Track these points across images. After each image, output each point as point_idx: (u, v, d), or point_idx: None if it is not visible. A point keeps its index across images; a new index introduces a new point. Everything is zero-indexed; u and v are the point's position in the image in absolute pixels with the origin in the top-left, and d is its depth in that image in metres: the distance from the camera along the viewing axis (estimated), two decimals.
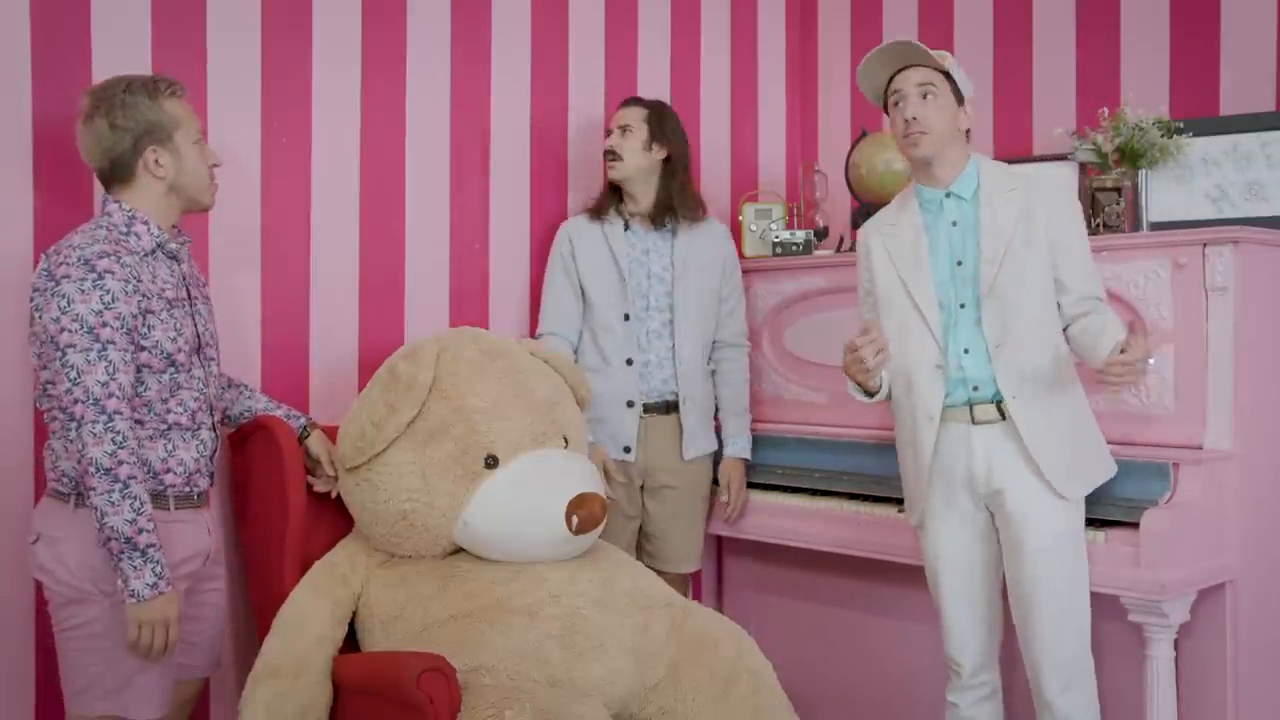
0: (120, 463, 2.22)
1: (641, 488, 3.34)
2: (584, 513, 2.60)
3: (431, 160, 3.34)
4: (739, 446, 3.41)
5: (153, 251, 2.39)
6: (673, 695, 2.64)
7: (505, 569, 2.64)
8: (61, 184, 2.68)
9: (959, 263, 2.60)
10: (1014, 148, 3.62)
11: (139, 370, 2.33)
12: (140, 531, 2.22)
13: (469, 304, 3.41)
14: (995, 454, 2.55)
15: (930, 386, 2.60)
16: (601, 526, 2.67)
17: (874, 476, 3.20)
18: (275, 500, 2.72)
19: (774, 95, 4.23)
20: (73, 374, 2.22)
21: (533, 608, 2.55)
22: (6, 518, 2.62)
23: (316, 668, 2.54)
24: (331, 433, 2.84)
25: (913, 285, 2.62)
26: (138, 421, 2.33)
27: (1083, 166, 3.19)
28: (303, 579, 2.66)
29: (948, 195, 2.63)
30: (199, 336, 2.47)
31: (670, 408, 3.32)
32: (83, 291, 2.23)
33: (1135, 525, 2.58)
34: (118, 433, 2.23)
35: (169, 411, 2.39)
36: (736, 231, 3.93)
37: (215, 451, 2.52)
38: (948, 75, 2.61)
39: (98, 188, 2.45)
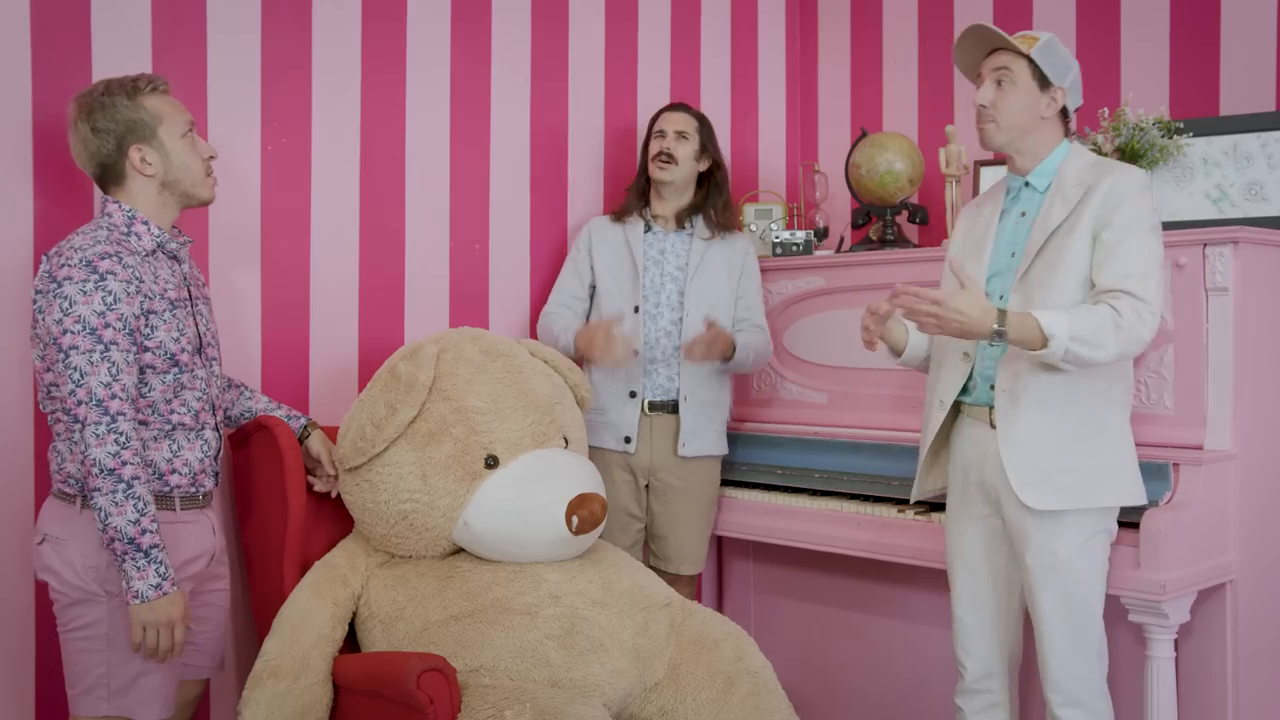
0: (124, 463, 2.22)
1: (646, 487, 3.35)
2: (584, 513, 2.60)
3: (431, 160, 3.34)
4: (741, 341, 3.32)
5: (154, 251, 2.39)
6: (673, 695, 2.64)
7: (505, 569, 2.64)
8: (61, 185, 2.68)
9: (1012, 254, 2.55)
10: None
11: (143, 371, 2.33)
12: (144, 532, 2.22)
13: (469, 304, 3.42)
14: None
15: (952, 374, 2.58)
16: (602, 527, 2.67)
17: (874, 476, 3.20)
18: (275, 501, 2.72)
19: (774, 95, 4.23)
20: (76, 375, 2.22)
21: (533, 608, 2.55)
22: (8, 519, 2.62)
23: (317, 668, 2.54)
24: (332, 433, 2.84)
25: (968, 268, 2.56)
26: (142, 422, 2.33)
27: None
28: (303, 579, 2.66)
29: (1025, 184, 2.57)
30: (200, 337, 2.47)
31: (674, 407, 3.33)
32: (85, 293, 2.23)
33: (1135, 525, 2.57)
34: (121, 433, 2.23)
35: (173, 412, 2.39)
36: None
37: (219, 451, 2.51)
38: (1032, 60, 2.49)
39: (97, 189, 2.45)
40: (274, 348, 3.04)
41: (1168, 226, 3.05)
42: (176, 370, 2.38)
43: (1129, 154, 3.03)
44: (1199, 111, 3.26)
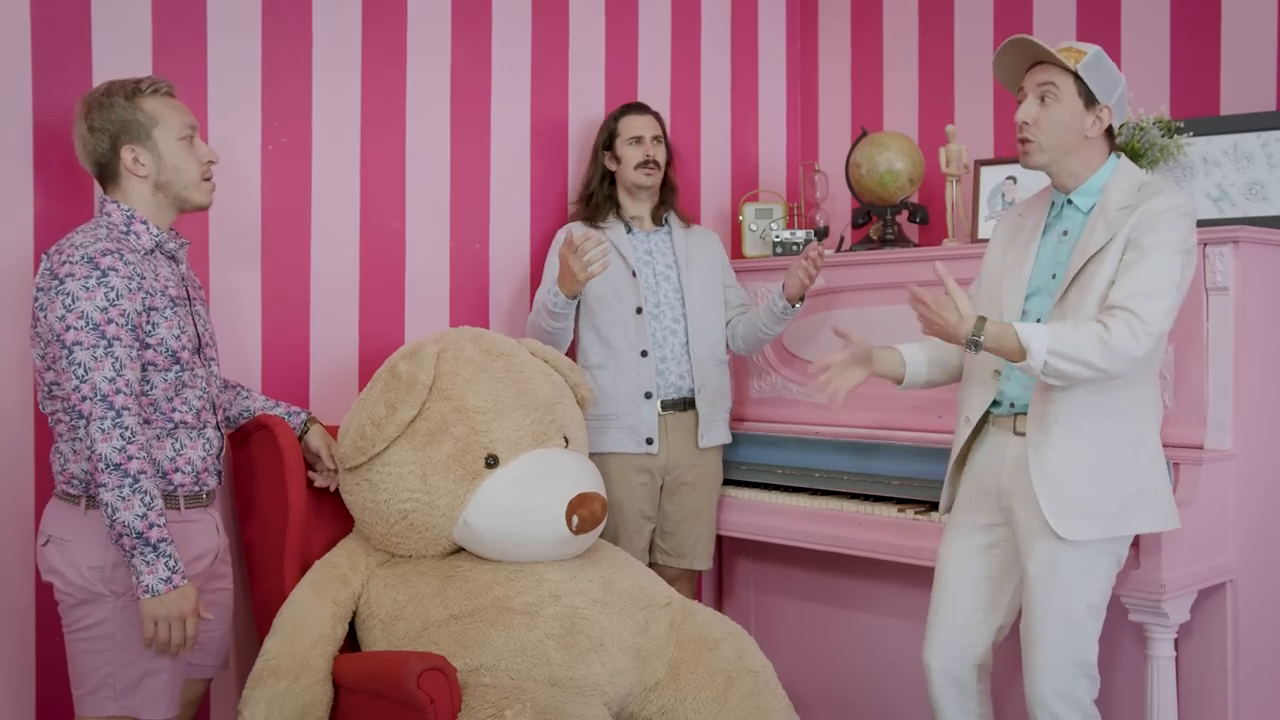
0: (130, 458, 2.22)
1: (661, 487, 3.35)
2: (584, 512, 2.60)
3: (431, 160, 3.34)
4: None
5: (152, 251, 2.39)
6: (673, 695, 2.64)
7: (505, 568, 2.64)
8: (61, 184, 2.68)
9: (1053, 276, 2.46)
10: (1015, 148, 3.61)
11: (144, 368, 2.33)
12: (152, 526, 2.22)
13: (469, 304, 3.42)
14: (1025, 472, 2.43)
15: (982, 391, 2.53)
16: (602, 526, 2.67)
17: (874, 476, 3.20)
18: (276, 500, 2.72)
19: (774, 95, 4.23)
20: (80, 371, 2.22)
21: (533, 607, 2.55)
22: (9, 520, 2.62)
23: (317, 667, 2.54)
24: (332, 432, 2.84)
25: (1007, 284, 2.51)
26: (145, 421, 2.33)
27: None
28: (303, 578, 2.66)
29: (1068, 202, 2.48)
30: (199, 336, 2.47)
31: (688, 404, 3.34)
32: (87, 289, 2.24)
33: None
34: (126, 428, 2.23)
35: (175, 410, 2.39)
36: (736, 231, 3.94)
37: (221, 451, 2.52)
38: (1078, 76, 2.39)
39: (97, 188, 2.46)
40: (274, 348, 3.04)
41: None
42: (178, 368, 2.38)
43: (1129, 154, 3.03)
44: (1199, 111, 3.26)
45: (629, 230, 3.39)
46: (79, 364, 2.22)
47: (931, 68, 3.91)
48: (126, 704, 2.31)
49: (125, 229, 2.37)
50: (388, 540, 2.71)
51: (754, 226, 3.82)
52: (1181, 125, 3.04)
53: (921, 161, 3.56)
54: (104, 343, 2.23)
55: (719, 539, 3.51)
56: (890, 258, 3.34)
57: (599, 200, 3.40)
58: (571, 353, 3.35)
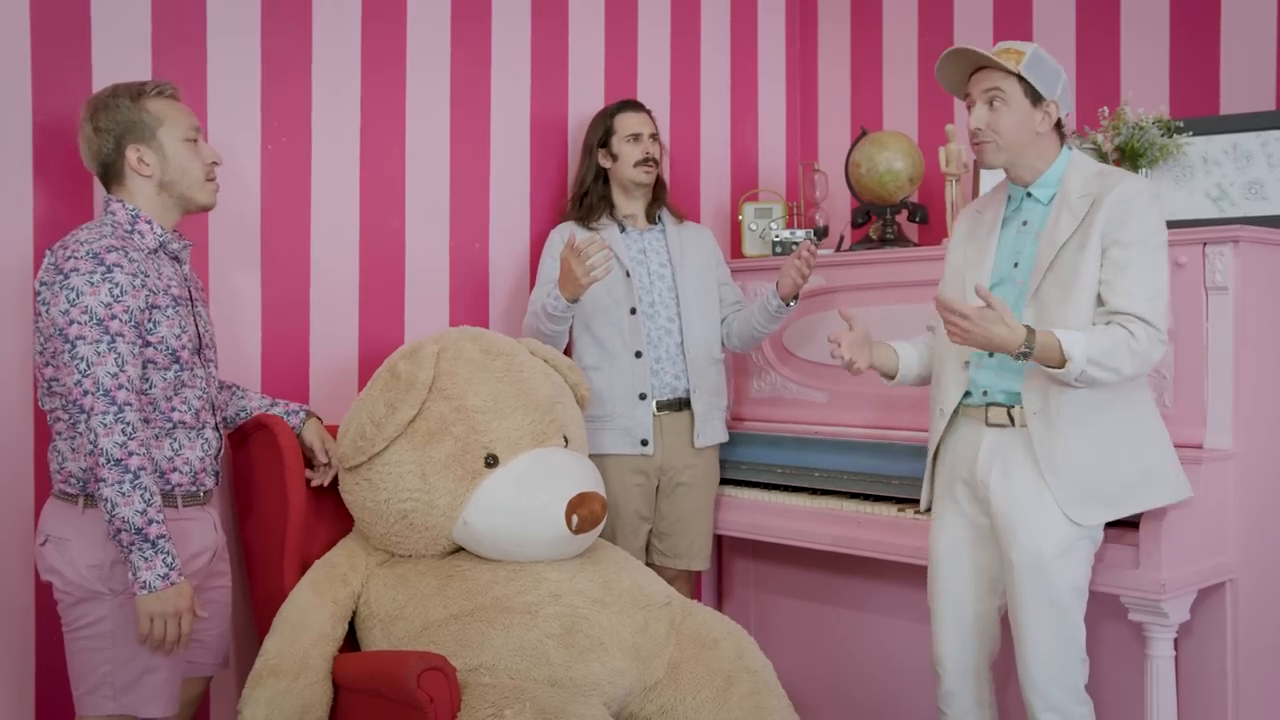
0: (130, 454, 2.22)
1: (657, 488, 3.35)
2: (584, 512, 2.60)
3: (431, 160, 3.34)
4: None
5: (156, 250, 2.40)
6: (673, 695, 2.64)
7: (505, 568, 2.64)
8: (62, 184, 2.68)
9: (1015, 264, 2.53)
10: None
11: (144, 366, 2.33)
12: (150, 522, 2.22)
13: (468, 303, 3.42)
14: (1001, 460, 2.49)
15: (952, 382, 2.58)
16: (602, 526, 2.67)
17: (874, 476, 3.20)
18: (275, 500, 2.72)
19: (774, 95, 4.23)
20: (82, 365, 2.22)
21: (533, 607, 2.55)
22: (8, 519, 2.62)
23: (316, 667, 2.55)
24: (332, 432, 2.84)
25: (969, 278, 2.55)
26: (144, 420, 2.34)
27: None
28: (303, 578, 2.66)
29: (1028, 195, 2.55)
30: (200, 337, 2.48)
31: (683, 404, 3.33)
32: (92, 284, 2.24)
33: (1135, 525, 2.57)
34: (128, 423, 2.23)
35: (174, 410, 2.39)
36: (736, 231, 3.94)
37: (219, 451, 2.52)
38: (1021, 77, 2.46)
39: (98, 188, 2.46)
40: (274, 347, 3.04)
41: (1168, 225, 3.06)
42: (177, 367, 2.38)
43: (1129, 153, 3.03)
44: (1199, 110, 3.26)
45: (623, 230, 3.39)
46: (82, 358, 2.22)
47: (931, 67, 3.89)
48: (125, 702, 2.31)
49: (130, 228, 2.37)
50: (387, 540, 2.71)
51: (754, 226, 3.82)
52: (1181, 125, 3.04)
53: (921, 161, 3.56)
54: (107, 338, 2.24)
55: (718, 538, 3.52)
56: (890, 257, 3.34)
57: (594, 199, 3.40)
58: (565, 354, 3.34)
